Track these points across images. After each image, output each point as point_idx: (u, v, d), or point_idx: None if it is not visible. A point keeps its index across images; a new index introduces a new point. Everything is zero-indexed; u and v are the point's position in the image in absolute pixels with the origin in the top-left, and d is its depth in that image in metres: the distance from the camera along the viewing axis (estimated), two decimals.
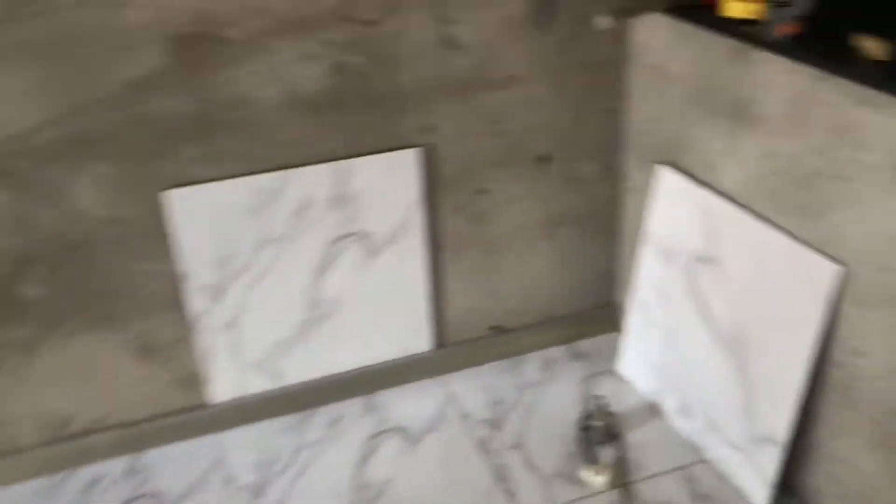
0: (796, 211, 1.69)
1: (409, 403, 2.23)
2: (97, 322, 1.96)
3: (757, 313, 1.82)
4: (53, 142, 1.77)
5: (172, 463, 2.08)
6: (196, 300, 2.01)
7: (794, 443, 1.80)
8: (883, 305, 1.54)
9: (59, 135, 1.77)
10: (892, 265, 1.50)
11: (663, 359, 2.13)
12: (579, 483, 1.95)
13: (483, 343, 2.36)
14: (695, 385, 2.02)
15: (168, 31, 1.75)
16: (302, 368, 2.19)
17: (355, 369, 2.24)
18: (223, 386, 2.13)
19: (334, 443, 2.12)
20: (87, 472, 2.06)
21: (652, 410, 2.16)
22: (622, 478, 1.96)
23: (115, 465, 2.08)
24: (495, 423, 2.15)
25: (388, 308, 2.20)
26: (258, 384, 2.17)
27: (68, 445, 2.06)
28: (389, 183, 2.06)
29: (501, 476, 1.99)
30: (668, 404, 2.13)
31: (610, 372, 2.32)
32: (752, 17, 1.56)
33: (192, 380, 2.11)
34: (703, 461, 2.00)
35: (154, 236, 1.93)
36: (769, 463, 1.81)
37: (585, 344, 2.44)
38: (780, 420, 1.77)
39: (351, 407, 2.23)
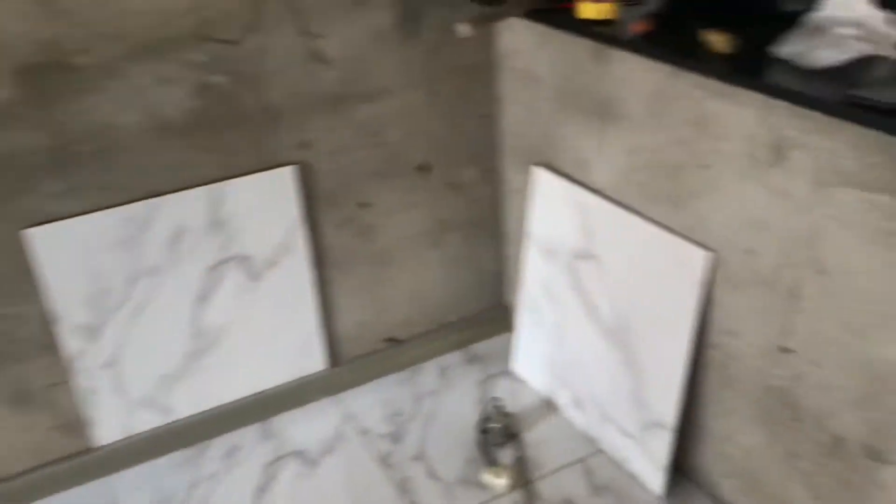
0: (665, 202, 1.75)
1: (307, 425, 2.19)
2: None
3: (637, 304, 1.87)
4: None
5: None
6: (70, 341, 1.91)
7: (683, 426, 1.86)
8: (750, 287, 1.61)
9: None
10: (756, 248, 1.57)
11: (554, 355, 2.17)
12: (482, 487, 1.95)
13: (378, 356, 2.35)
14: (586, 378, 2.07)
15: (12, 62, 1.66)
16: (192, 401, 2.11)
17: (249, 396, 2.18)
18: (109, 427, 2.04)
19: (231, 474, 2.05)
20: None
21: (548, 407, 2.19)
22: (523, 477, 1.98)
23: None
24: (395, 436, 2.14)
25: (276, 330, 2.15)
26: (147, 421, 2.08)
27: None
28: (267, 203, 2.01)
29: (405, 489, 1.97)
30: (563, 399, 2.17)
31: (505, 373, 2.34)
32: (605, 17, 1.61)
33: (75, 424, 2.01)
34: (600, 452, 2.04)
35: (18, 278, 1.82)
36: (661, 448, 1.87)
37: (480, 347, 2.45)
38: (668, 405, 1.83)
39: (247, 435, 2.17)
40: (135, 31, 1.74)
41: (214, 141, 1.91)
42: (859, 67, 1.30)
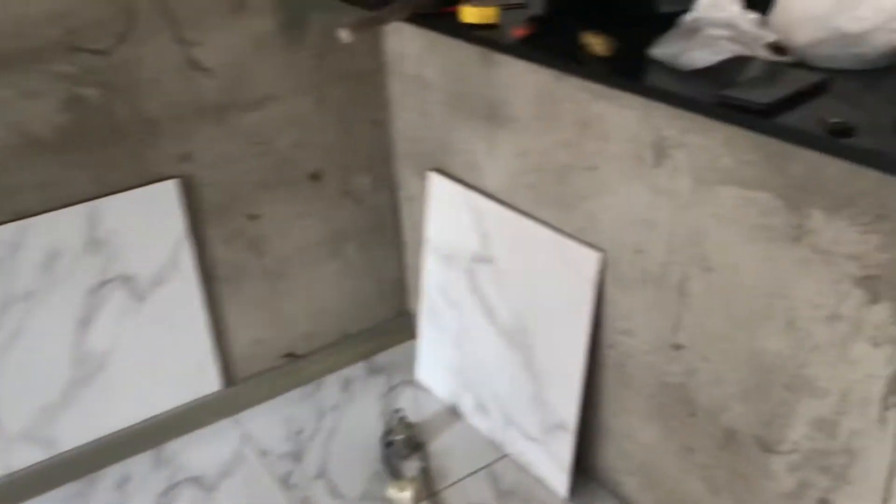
0: (555, 203, 1.75)
1: (203, 449, 2.10)
2: None
3: (533, 306, 1.86)
4: None
5: None
6: None
7: (584, 426, 1.87)
8: (640, 285, 1.62)
9: None
10: (644, 247, 1.58)
11: (457, 361, 2.15)
12: (386, 502, 1.91)
13: (277, 373, 2.27)
14: (488, 383, 2.05)
15: None
16: (78, 431, 2.00)
17: (139, 422, 2.08)
18: None
19: None
20: None
21: (452, 414, 2.17)
22: (429, 488, 1.95)
23: None
24: (296, 455, 2.07)
25: (166, 352, 2.05)
26: (28, 456, 1.95)
27: None
28: (149, 219, 1.92)
29: None
30: (467, 405, 2.15)
31: (409, 382, 2.31)
32: (488, 21, 1.59)
33: None
34: (505, 456, 2.03)
35: None
36: (564, 449, 1.87)
37: (383, 357, 2.41)
38: (568, 406, 1.83)
39: (139, 463, 2.07)
40: None
41: (89, 156, 1.81)
42: (731, 68, 1.32)
